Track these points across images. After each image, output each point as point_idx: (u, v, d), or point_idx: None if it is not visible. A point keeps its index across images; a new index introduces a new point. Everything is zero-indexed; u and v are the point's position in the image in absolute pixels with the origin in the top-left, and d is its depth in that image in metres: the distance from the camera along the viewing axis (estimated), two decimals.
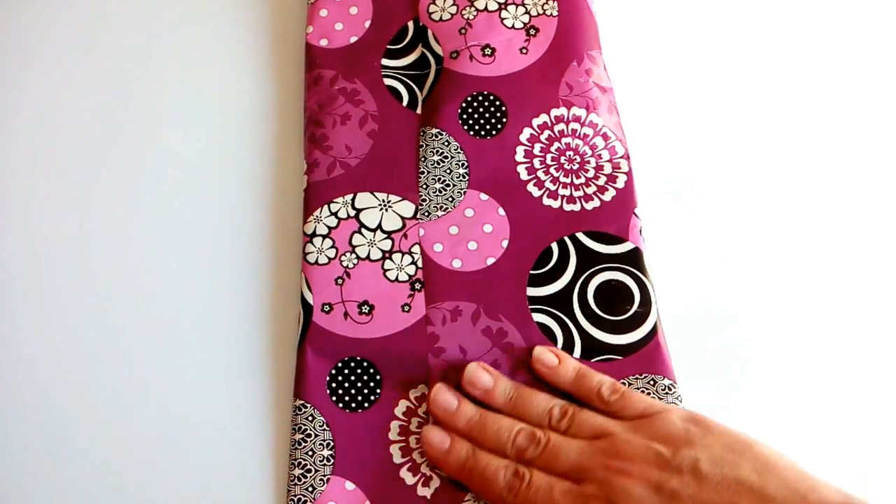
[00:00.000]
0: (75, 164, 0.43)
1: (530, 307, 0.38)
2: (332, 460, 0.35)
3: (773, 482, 0.30)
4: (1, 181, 0.43)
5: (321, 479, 0.35)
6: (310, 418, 0.36)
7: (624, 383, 0.36)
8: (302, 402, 0.36)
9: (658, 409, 0.34)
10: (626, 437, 0.32)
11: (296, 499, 0.34)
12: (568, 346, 0.37)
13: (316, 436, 0.35)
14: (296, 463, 0.35)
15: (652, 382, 0.36)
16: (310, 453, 0.35)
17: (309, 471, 0.35)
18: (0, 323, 0.39)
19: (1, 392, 0.37)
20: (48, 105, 0.45)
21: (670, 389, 0.36)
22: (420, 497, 0.34)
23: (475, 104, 0.42)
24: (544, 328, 0.37)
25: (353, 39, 0.45)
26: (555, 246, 0.39)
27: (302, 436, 0.35)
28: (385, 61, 0.44)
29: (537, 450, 0.33)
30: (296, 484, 0.34)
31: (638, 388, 0.36)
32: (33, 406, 0.37)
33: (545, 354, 0.36)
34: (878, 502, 0.29)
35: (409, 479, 0.35)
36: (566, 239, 0.39)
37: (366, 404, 0.36)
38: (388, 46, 0.45)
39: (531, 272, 0.39)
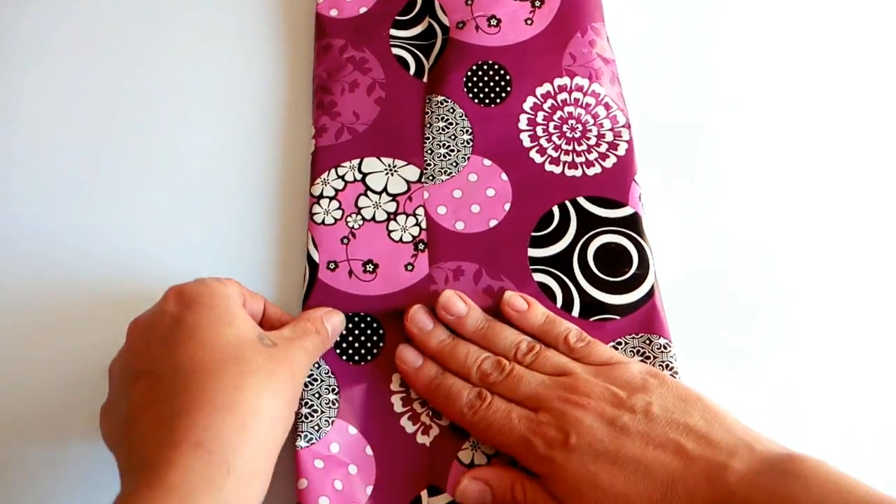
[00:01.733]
0: (87, 123, 0.44)
1: (531, 267, 0.39)
2: (336, 405, 0.36)
3: (720, 430, 0.31)
4: (5, 176, 0.43)
5: (327, 420, 0.36)
6: (316, 365, 0.37)
7: (621, 342, 0.37)
8: None
9: (620, 360, 0.35)
10: (586, 377, 0.34)
11: (303, 435, 0.35)
12: (567, 305, 0.38)
13: (322, 381, 0.36)
14: (304, 402, 0.36)
15: (648, 341, 0.37)
16: (316, 395, 0.36)
17: (315, 411, 0.36)
18: (1, 322, 0.39)
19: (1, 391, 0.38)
20: (53, 91, 0.46)
21: (665, 348, 0.37)
22: (419, 444, 0.36)
23: (480, 73, 0.43)
24: (544, 287, 0.38)
25: (363, 10, 0.46)
26: (556, 209, 0.40)
27: (309, 379, 0.36)
28: (393, 31, 0.45)
29: (500, 376, 0.35)
30: (303, 421, 0.35)
31: (634, 347, 0.37)
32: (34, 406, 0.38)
33: (515, 299, 0.37)
34: (819, 455, 0.30)
35: (409, 427, 0.36)
36: (567, 203, 0.40)
37: (368, 357, 0.37)
38: (397, 17, 0.46)
39: (532, 234, 0.39)
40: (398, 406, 0.36)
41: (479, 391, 0.34)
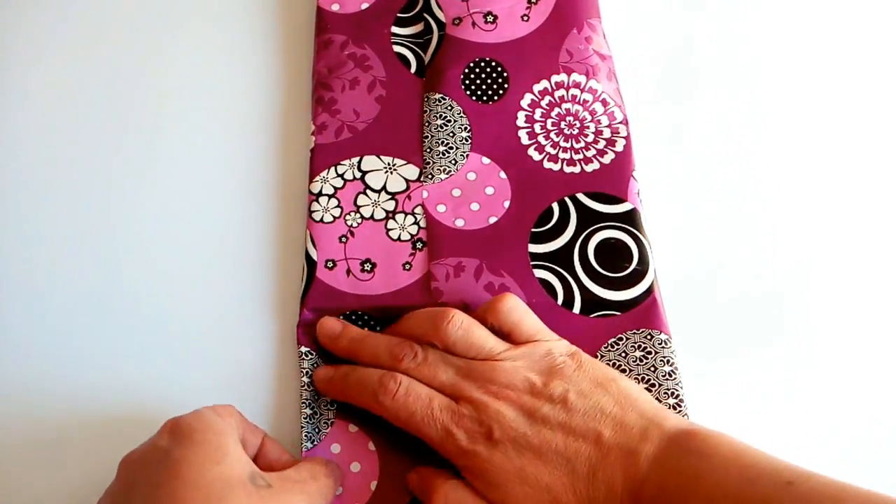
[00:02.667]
0: (84, 118, 0.44)
1: (532, 263, 0.39)
2: (335, 404, 0.36)
3: (632, 413, 0.32)
4: (5, 176, 0.43)
5: (325, 422, 0.36)
6: (314, 365, 0.37)
7: (622, 337, 0.37)
8: (307, 349, 0.37)
9: (544, 338, 0.35)
10: (505, 364, 0.33)
11: (307, 436, 0.35)
12: (568, 302, 0.38)
13: None
14: (305, 403, 0.36)
15: (649, 336, 0.37)
16: (315, 396, 0.36)
17: (315, 413, 0.36)
18: (3, 318, 0.39)
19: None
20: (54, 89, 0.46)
21: (666, 343, 0.37)
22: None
23: (477, 70, 0.43)
24: (545, 283, 0.38)
25: (365, 6, 0.46)
26: (555, 206, 0.40)
27: (308, 380, 0.36)
28: (394, 29, 0.45)
29: (413, 361, 0.34)
30: (306, 422, 0.35)
31: (636, 343, 0.37)
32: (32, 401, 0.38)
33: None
34: (819, 452, 0.31)
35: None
36: (566, 199, 0.40)
37: None
38: (398, 14, 0.46)
39: (532, 230, 0.39)
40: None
41: (390, 373, 0.33)
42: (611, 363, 0.36)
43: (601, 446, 0.31)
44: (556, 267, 0.39)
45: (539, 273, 0.38)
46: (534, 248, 0.39)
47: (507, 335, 0.35)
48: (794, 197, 0.42)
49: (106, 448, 0.35)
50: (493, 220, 0.40)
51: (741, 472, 0.29)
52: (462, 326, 0.34)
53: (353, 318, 0.38)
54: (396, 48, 0.45)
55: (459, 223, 0.40)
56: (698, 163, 0.43)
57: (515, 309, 0.35)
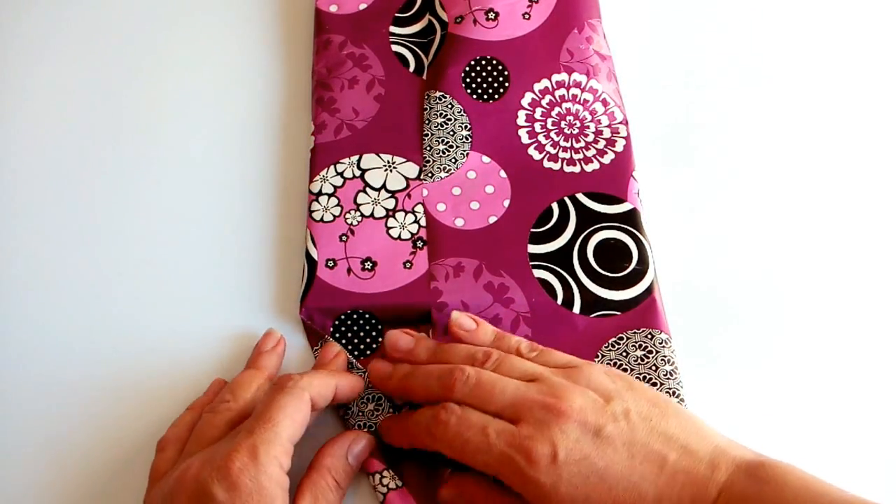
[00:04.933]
0: (84, 120, 0.44)
1: (531, 263, 0.39)
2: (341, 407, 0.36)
3: (695, 438, 0.31)
4: (5, 175, 0.43)
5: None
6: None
7: (623, 337, 0.37)
8: (315, 349, 0.37)
9: (580, 363, 0.34)
10: (559, 380, 0.32)
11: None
12: (567, 302, 0.38)
13: None
14: None
15: (649, 336, 0.37)
16: None
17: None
18: (4, 312, 0.39)
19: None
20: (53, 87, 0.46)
21: (666, 343, 0.37)
22: None
23: (478, 68, 0.43)
24: (545, 283, 0.38)
25: (363, 6, 0.46)
26: (555, 206, 0.40)
27: None
28: (392, 28, 0.45)
29: (466, 386, 0.32)
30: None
31: (637, 342, 0.37)
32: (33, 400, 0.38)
33: (463, 318, 0.36)
34: (791, 462, 0.30)
35: None
36: (566, 199, 0.40)
37: (368, 352, 0.37)
38: (396, 14, 0.46)
39: (532, 230, 0.39)
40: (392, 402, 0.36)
41: (443, 404, 0.32)
42: (612, 362, 0.36)
43: (667, 470, 0.30)
44: (555, 267, 0.39)
45: (538, 273, 0.38)
46: (533, 248, 0.39)
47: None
48: (795, 197, 0.42)
49: (104, 448, 0.36)
50: (492, 219, 0.40)
51: (812, 502, 0.28)
52: (498, 358, 0.34)
53: (355, 316, 0.38)
54: (395, 47, 0.45)
55: (459, 223, 0.40)
56: (698, 163, 0.43)
57: (535, 347, 0.35)
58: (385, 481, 0.34)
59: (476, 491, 0.33)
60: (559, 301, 0.38)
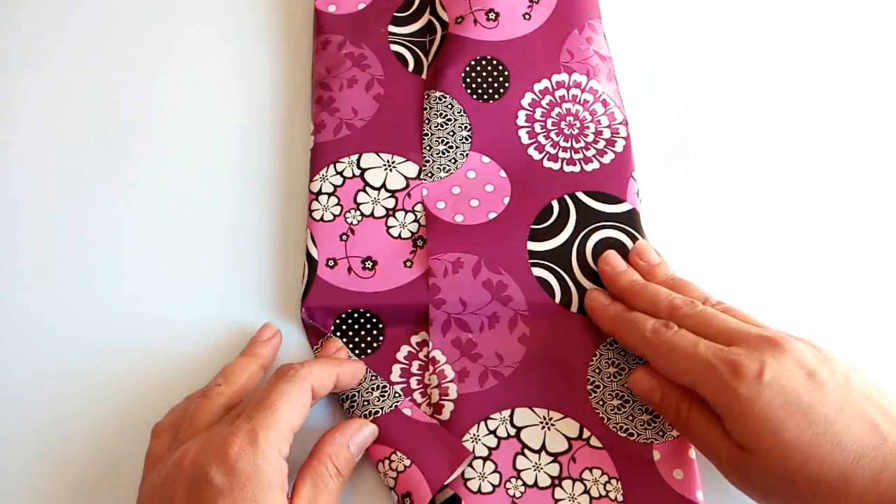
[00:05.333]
0: (85, 120, 0.44)
1: (530, 261, 0.39)
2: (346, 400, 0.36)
3: None
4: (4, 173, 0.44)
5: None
6: None
7: None
8: (316, 347, 0.37)
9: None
10: (783, 333, 0.31)
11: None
12: (565, 301, 0.38)
13: None
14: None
15: None
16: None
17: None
18: (4, 304, 0.39)
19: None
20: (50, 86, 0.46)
21: None
22: (419, 422, 0.35)
23: (478, 68, 0.43)
24: (543, 282, 0.38)
25: (361, 6, 0.46)
26: (555, 203, 0.40)
27: None
28: (391, 28, 0.45)
29: (692, 310, 0.33)
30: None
31: None
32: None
33: (648, 252, 0.38)
34: None
35: (408, 411, 0.36)
36: (566, 197, 0.40)
37: (369, 350, 0.37)
38: (395, 13, 0.46)
39: (532, 226, 0.40)
40: (398, 392, 0.36)
41: (665, 322, 0.33)
42: (610, 362, 0.37)
43: (877, 434, 0.29)
44: (553, 266, 0.39)
45: (537, 272, 0.39)
46: (532, 245, 0.39)
47: None
48: (795, 197, 0.43)
49: (103, 447, 0.36)
50: (492, 215, 0.40)
51: None
52: (729, 308, 0.34)
53: (356, 315, 0.38)
54: (394, 47, 0.45)
55: (459, 218, 0.40)
56: (698, 163, 0.43)
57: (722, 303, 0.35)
58: (394, 465, 0.34)
59: (668, 386, 0.33)
60: (557, 300, 0.38)
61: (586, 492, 0.34)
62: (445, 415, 0.35)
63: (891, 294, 0.40)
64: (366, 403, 0.35)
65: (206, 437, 0.30)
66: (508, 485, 0.34)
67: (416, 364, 0.37)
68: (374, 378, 0.36)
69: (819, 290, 0.40)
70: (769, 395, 0.29)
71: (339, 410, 0.36)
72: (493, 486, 0.34)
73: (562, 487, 0.34)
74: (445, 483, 0.33)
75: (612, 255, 0.38)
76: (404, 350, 0.38)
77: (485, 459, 0.35)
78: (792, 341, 0.31)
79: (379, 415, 0.35)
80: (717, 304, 0.35)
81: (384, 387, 0.36)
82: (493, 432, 0.35)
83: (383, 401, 0.35)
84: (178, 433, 0.33)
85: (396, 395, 0.36)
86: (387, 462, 0.34)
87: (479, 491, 0.34)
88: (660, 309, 0.35)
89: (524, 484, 0.34)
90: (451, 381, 0.36)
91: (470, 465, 0.34)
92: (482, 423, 0.35)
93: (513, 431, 0.35)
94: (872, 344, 0.39)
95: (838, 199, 0.43)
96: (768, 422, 0.29)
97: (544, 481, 0.34)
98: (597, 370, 0.37)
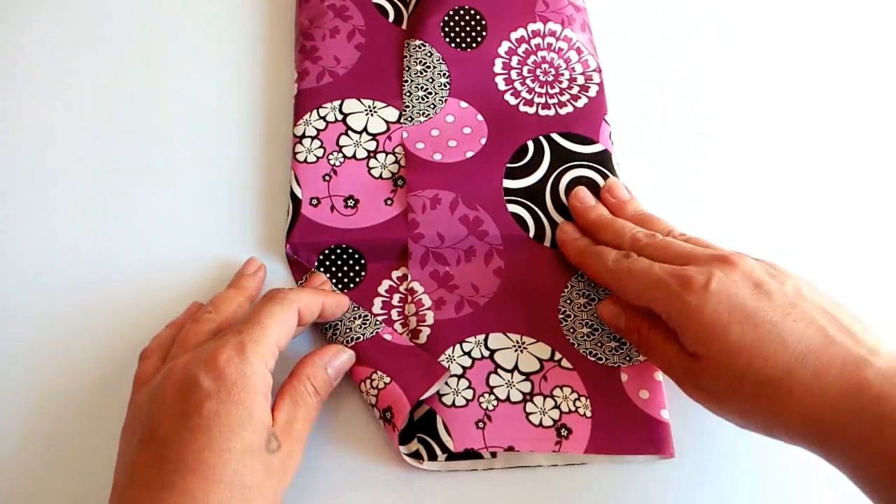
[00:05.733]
0: (85, 70, 0.46)
1: (505, 198, 0.40)
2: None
3: (866, 332, 0.30)
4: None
5: None
6: None
7: None
8: (301, 281, 0.39)
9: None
10: (737, 252, 0.33)
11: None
12: (539, 236, 0.40)
13: None
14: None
15: None
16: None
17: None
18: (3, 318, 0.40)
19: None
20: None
21: None
22: (398, 345, 0.37)
23: (456, 18, 0.45)
24: (518, 218, 0.40)
25: None
26: (530, 143, 0.42)
27: None
28: None
29: (652, 241, 0.35)
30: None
31: None
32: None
33: (619, 189, 0.40)
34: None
35: (388, 336, 0.37)
36: (541, 138, 0.42)
37: (351, 285, 0.39)
38: None
39: (508, 165, 0.41)
40: (379, 321, 0.38)
41: (626, 252, 0.35)
42: (580, 293, 0.38)
43: (822, 337, 0.30)
44: (528, 202, 0.40)
45: (512, 208, 0.40)
46: (508, 183, 0.41)
47: None
48: (764, 136, 0.44)
49: (89, 363, 0.37)
50: (469, 154, 0.41)
51: None
52: (693, 239, 0.36)
53: (339, 251, 0.39)
54: None
55: (437, 157, 0.41)
56: (672, 110, 0.45)
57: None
58: (375, 383, 0.35)
59: (631, 311, 0.35)
60: (531, 235, 0.40)
61: (556, 407, 0.36)
62: (422, 339, 0.37)
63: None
64: (348, 331, 0.37)
65: (197, 350, 0.32)
66: (482, 399, 0.36)
67: (396, 297, 0.39)
68: (356, 308, 0.38)
69: (792, 224, 0.42)
70: (715, 303, 0.31)
71: (322, 341, 0.38)
72: (467, 401, 0.36)
73: (533, 402, 0.36)
74: (423, 398, 0.35)
75: (581, 191, 0.40)
76: (385, 284, 0.39)
77: (459, 377, 0.36)
78: (743, 258, 0.33)
79: (360, 340, 0.36)
80: (681, 235, 0.37)
81: (365, 316, 0.37)
82: (468, 353, 0.37)
83: (364, 328, 0.37)
84: (168, 354, 0.34)
85: (377, 323, 0.37)
86: (368, 381, 0.35)
87: (454, 405, 0.36)
88: (623, 241, 0.36)
89: (497, 399, 0.36)
90: (428, 308, 0.38)
91: (445, 382, 0.36)
92: (457, 346, 0.37)
93: (486, 353, 0.37)
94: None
95: (813, 144, 0.44)
96: (715, 327, 0.31)
97: (516, 396, 0.36)
98: (568, 300, 0.38)
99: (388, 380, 0.35)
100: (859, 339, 0.30)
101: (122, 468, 0.31)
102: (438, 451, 0.35)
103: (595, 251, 0.37)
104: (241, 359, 0.31)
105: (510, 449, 0.35)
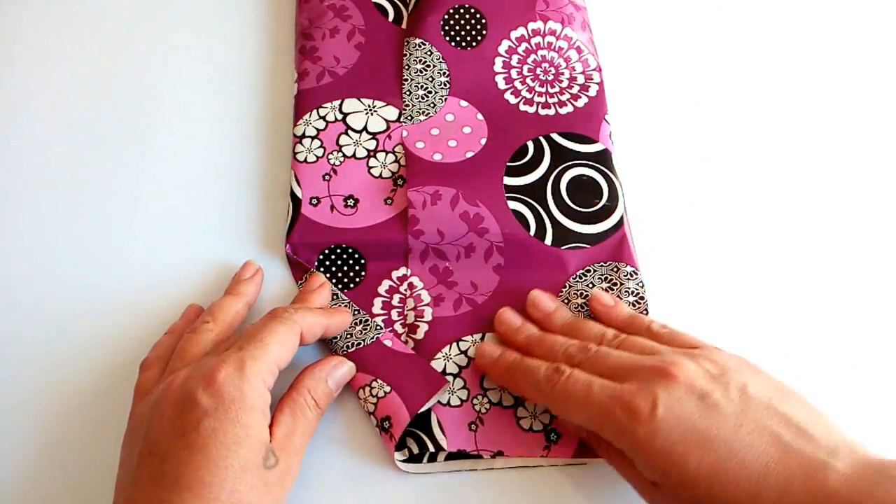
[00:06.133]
0: (85, 67, 0.46)
1: (506, 195, 0.40)
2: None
3: (819, 427, 0.29)
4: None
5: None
6: None
7: (590, 269, 0.39)
8: (300, 282, 0.39)
9: (705, 345, 0.33)
10: (676, 355, 0.31)
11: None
12: (540, 234, 0.40)
13: None
14: None
15: (615, 269, 0.39)
16: None
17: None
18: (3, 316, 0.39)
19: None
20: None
21: (633, 275, 0.39)
22: (398, 352, 0.37)
23: (457, 16, 0.45)
24: (518, 215, 0.40)
25: None
26: (530, 143, 0.42)
27: None
28: None
29: (585, 355, 0.33)
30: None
31: (602, 275, 0.39)
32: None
33: (603, 295, 0.37)
34: None
35: (388, 342, 0.37)
36: (541, 138, 0.42)
37: (351, 285, 0.39)
38: None
39: (508, 163, 0.41)
40: (379, 324, 0.38)
41: (557, 365, 0.33)
42: (578, 293, 0.38)
43: (779, 447, 0.28)
44: (529, 199, 0.40)
45: (513, 205, 0.40)
46: (509, 180, 0.41)
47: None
48: (764, 138, 0.44)
49: (89, 370, 0.37)
50: (469, 154, 0.41)
51: None
52: (624, 338, 0.34)
53: (339, 251, 0.39)
54: None
55: (437, 157, 0.41)
56: (671, 109, 0.45)
57: (666, 327, 0.35)
58: (374, 391, 0.35)
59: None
60: (532, 233, 0.40)
61: (546, 411, 0.36)
62: (420, 335, 0.37)
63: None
64: (348, 336, 0.37)
65: (196, 365, 0.32)
66: (475, 401, 0.36)
67: (396, 297, 0.39)
68: (357, 312, 0.38)
69: (787, 229, 0.42)
70: (666, 430, 0.29)
71: (323, 345, 0.38)
72: (462, 401, 0.36)
73: (524, 407, 0.36)
74: (423, 409, 0.35)
75: (506, 314, 0.37)
76: (385, 284, 0.39)
77: (455, 376, 0.36)
78: (682, 366, 0.31)
79: (361, 346, 0.36)
80: (615, 338, 0.34)
81: (366, 321, 0.37)
82: (464, 353, 0.37)
83: (365, 333, 0.37)
84: (168, 365, 0.34)
85: (378, 327, 0.37)
86: (367, 389, 0.35)
87: (449, 404, 0.36)
88: (556, 360, 0.34)
89: (490, 402, 0.36)
90: (426, 304, 0.38)
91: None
92: (454, 344, 0.37)
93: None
94: (831, 281, 0.41)
95: (810, 142, 0.44)
96: (670, 456, 0.29)
97: (508, 401, 0.36)
98: (566, 300, 0.38)
99: (388, 389, 0.35)
100: (815, 439, 0.29)
101: (122, 482, 0.31)
102: (431, 447, 0.35)
103: (523, 368, 0.34)
104: (240, 376, 0.31)
105: (499, 454, 0.35)
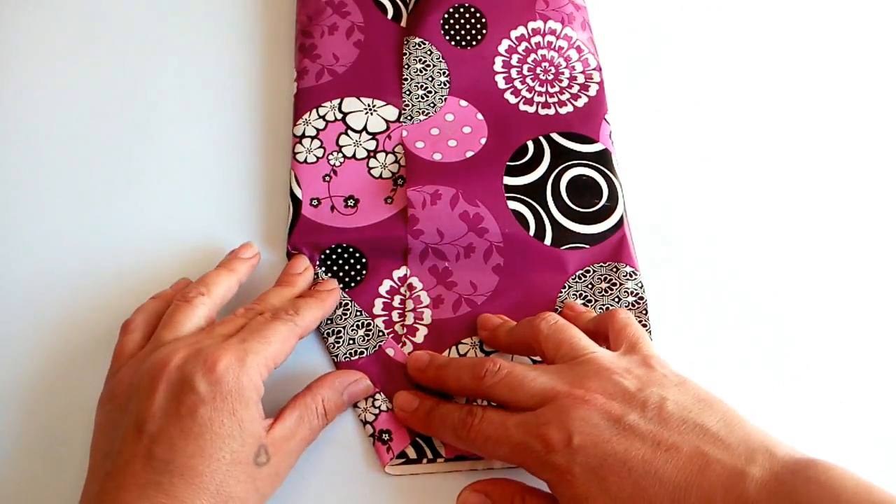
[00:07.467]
0: (85, 63, 0.45)
1: (506, 195, 0.40)
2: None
3: (738, 434, 0.29)
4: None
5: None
6: None
7: (589, 269, 0.39)
8: None
9: (645, 346, 0.33)
10: (599, 365, 0.32)
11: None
12: (539, 234, 0.40)
13: None
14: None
15: (614, 269, 0.39)
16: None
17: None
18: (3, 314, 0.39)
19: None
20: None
21: (632, 276, 0.39)
22: (400, 363, 0.37)
23: (456, 16, 0.45)
24: (518, 215, 0.40)
25: None
26: (530, 143, 0.42)
27: None
28: None
29: (497, 376, 0.33)
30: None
31: (602, 275, 0.39)
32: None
33: (574, 305, 0.38)
34: (831, 458, 0.28)
35: (390, 351, 0.37)
36: (541, 137, 0.42)
37: (352, 284, 0.39)
38: None
39: (508, 163, 0.41)
40: (381, 328, 0.38)
41: (469, 408, 0.33)
42: (578, 294, 0.38)
43: (697, 461, 0.29)
44: (529, 200, 0.40)
45: (512, 205, 0.40)
46: (508, 180, 0.41)
47: (604, 342, 0.35)
48: (764, 138, 0.44)
49: (71, 333, 0.37)
50: (469, 154, 0.41)
51: None
52: (555, 325, 0.34)
53: (339, 250, 0.39)
54: None
55: (437, 156, 0.41)
56: (670, 109, 0.45)
57: (627, 319, 0.35)
58: (377, 403, 0.36)
59: (494, 486, 0.33)
60: (531, 233, 0.40)
61: None
62: (419, 338, 0.37)
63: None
64: (350, 342, 0.37)
65: (195, 347, 0.32)
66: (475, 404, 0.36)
67: (397, 298, 0.39)
68: (358, 314, 0.38)
69: (782, 223, 0.42)
70: (584, 459, 0.29)
71: (322, 350, 0.38)
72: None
73: None
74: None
75: (414, 357, 0.36)
76: (386, 284, 0.39)
77: None
78: (596, 390, 0.31)
79: (364, 355, 0.37)
80: (555, 347, 0.34)
81: (368, 325, 0.38)
82: (463, 356, 0.37)
83: (367, 340, 0.37)
84: (155, 332, 0.34)
85: (380, 333, 0.37)
86: (370, 400, 0.36)
87: None
88: (466, 384, 0.34)
89: (489, 403, 0.36)
90: (426, 306, 0.38)
91: None
92: (453, 348, 0.37)
93: (482, 356, 0.37)
94: (827, 293, 0.41)
95: (803, 135, 0.44)
96: (590, 484, 0.29)
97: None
98: (564, 300, 0.38)
99: (390, 405, 0.36)
100: (733, 448, 0.29)
101: (100, 450, 0.31)
102: (429, 454, 0.35)
103: (437, 416, 0.34)
104: (241, 367, 0.31)
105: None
